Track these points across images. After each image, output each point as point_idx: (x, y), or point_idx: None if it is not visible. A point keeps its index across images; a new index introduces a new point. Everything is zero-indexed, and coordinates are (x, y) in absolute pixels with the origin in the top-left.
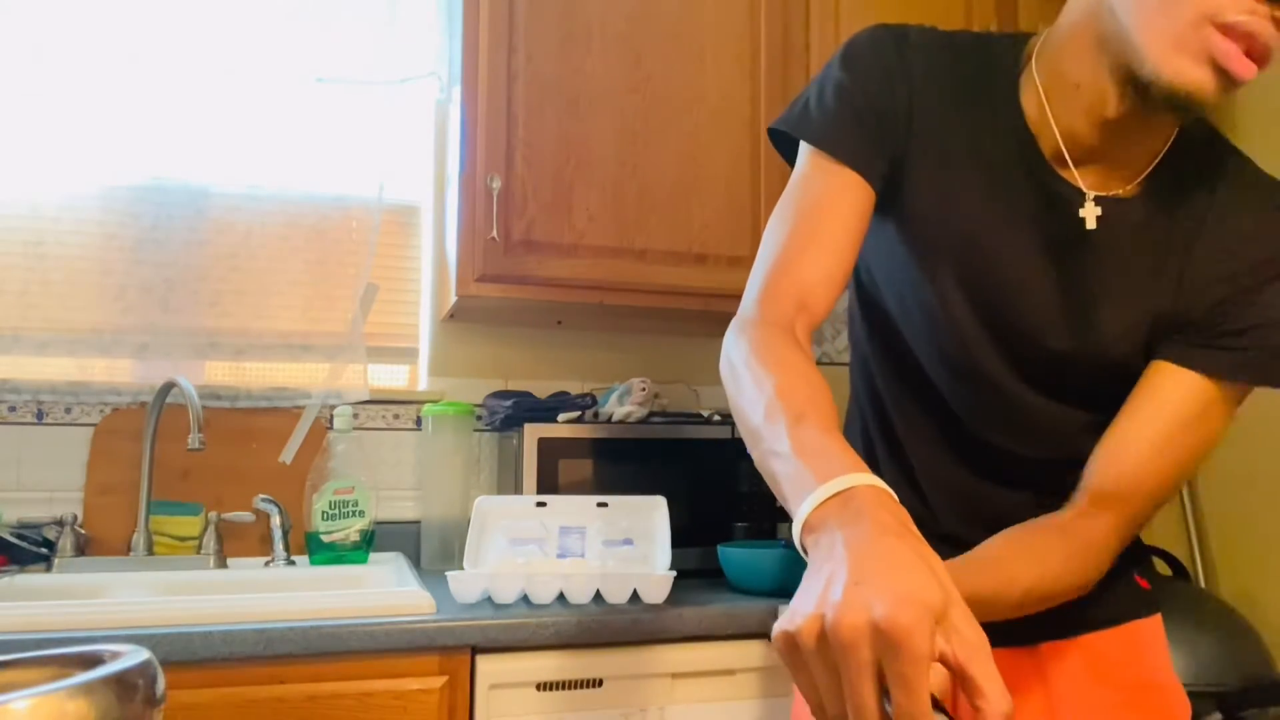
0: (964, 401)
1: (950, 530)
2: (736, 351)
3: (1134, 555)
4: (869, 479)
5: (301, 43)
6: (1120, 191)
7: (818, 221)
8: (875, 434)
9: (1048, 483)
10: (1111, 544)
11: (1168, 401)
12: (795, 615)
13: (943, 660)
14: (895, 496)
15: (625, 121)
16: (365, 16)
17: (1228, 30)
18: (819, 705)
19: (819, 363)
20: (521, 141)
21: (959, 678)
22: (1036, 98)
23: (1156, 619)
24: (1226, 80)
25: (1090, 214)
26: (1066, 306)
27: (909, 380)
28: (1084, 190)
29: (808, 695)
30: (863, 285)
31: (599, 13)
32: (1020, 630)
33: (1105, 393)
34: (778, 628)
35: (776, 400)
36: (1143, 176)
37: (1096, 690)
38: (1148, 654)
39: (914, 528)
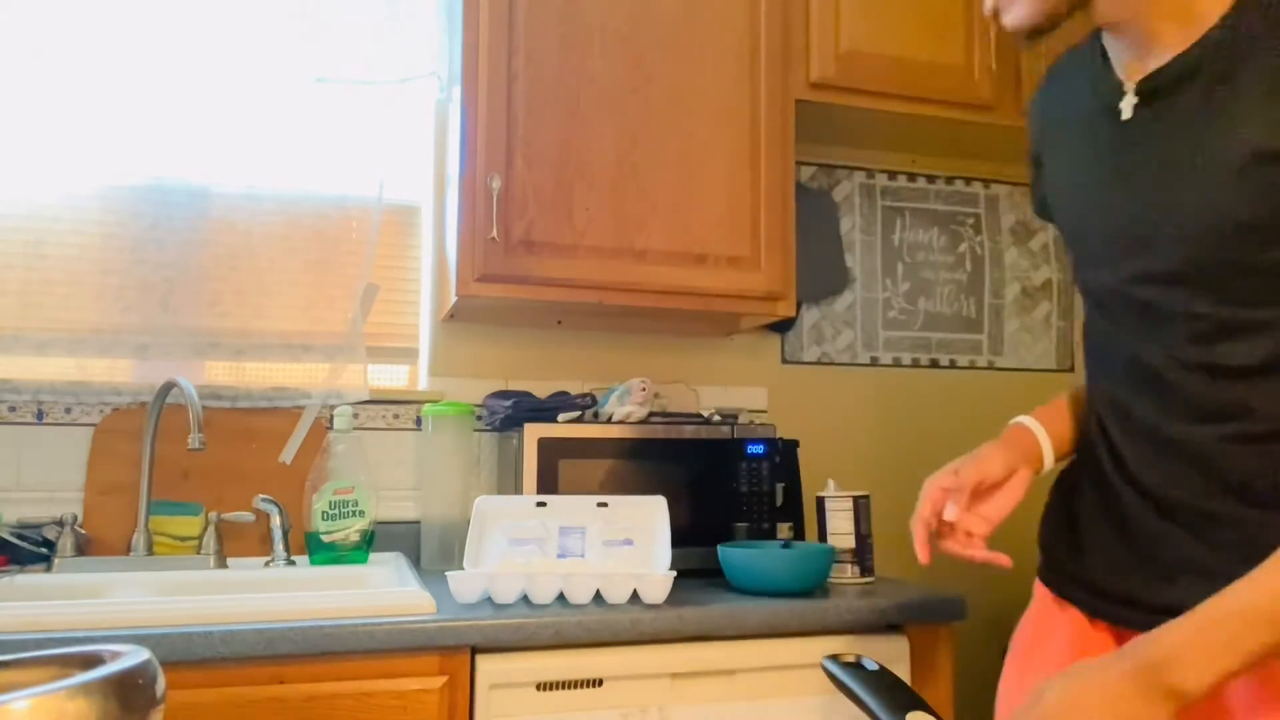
0: (1148, 351)
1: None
2: None
3: None
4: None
5: (301, 43)
6: (1159, 64)
7: None
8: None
9: (1234, 411)
10: None
11: None
12: None
13: None
14: None
15: (625, 121)
16: (365, 16)
17: None
18: None
19: (818, 363)
20: (521, 141)
21: None
22: (1112, 46)
23: None
24: None
25: (1127, 105)
26: (1156, 205)
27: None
28: (1122, 82)
29: None
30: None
31: (599, 13)
32: None
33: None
34: None
35: None
36: (1184, 47)
37: (1268, 700)
38: None
39: None
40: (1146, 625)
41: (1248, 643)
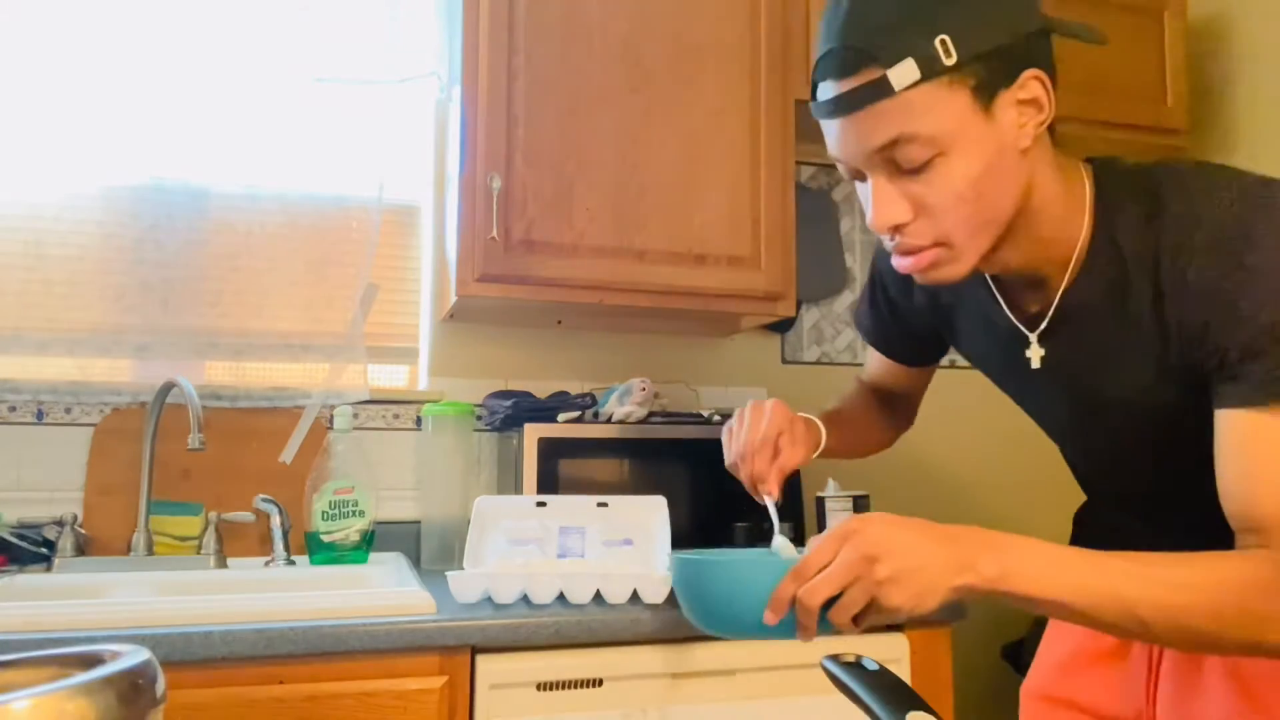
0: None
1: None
2: None
3: None
4: None
5: (301, 43)
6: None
7: None
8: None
9: None
10: None
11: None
12: None
13: None
14: None
15: (625, 121)
16: (365, 16)
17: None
18: None
19: (818, 363)
20: (521, 141)
21: None
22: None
23: None
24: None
25: (1035, 355)
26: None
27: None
28: (1025, 333)
29: None
30: None
31: (599, 13)
32: None
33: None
34: None
35: None
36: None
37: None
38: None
39: None
40: None
41: (1053, 591)
